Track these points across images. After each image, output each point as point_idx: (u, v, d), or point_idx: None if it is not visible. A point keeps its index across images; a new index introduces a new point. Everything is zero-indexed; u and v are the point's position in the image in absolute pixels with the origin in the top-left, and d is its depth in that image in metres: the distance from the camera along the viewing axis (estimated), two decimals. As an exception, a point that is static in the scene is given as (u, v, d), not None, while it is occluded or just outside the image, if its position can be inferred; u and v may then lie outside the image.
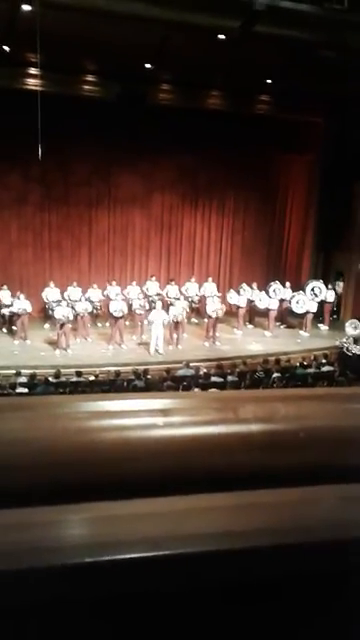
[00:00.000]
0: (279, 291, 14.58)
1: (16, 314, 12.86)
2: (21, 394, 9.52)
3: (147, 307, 13.37)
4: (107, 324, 13.52)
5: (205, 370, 10.99)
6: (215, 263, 16.71)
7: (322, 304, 14.84)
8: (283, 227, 17.29)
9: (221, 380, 10.44)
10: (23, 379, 10.26)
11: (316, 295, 14.69)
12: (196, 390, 9.61)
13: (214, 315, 13.43)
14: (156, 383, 10.24)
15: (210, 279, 15.17)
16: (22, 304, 12.85)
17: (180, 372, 10.85)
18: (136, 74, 12.76)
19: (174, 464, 0.66)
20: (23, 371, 10.57)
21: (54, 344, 12.59)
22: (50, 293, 13.56)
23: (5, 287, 13.54)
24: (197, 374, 10.86)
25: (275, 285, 14.70)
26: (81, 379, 10.33)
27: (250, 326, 14.75)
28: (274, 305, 14.30)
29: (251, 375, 10.74)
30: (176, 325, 13.09)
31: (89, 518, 0.62)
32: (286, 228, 17.28)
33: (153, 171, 15.28)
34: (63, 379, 10.26)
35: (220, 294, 14.45)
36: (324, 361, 11.87)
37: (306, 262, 16.77)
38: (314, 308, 14.56)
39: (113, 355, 12.40)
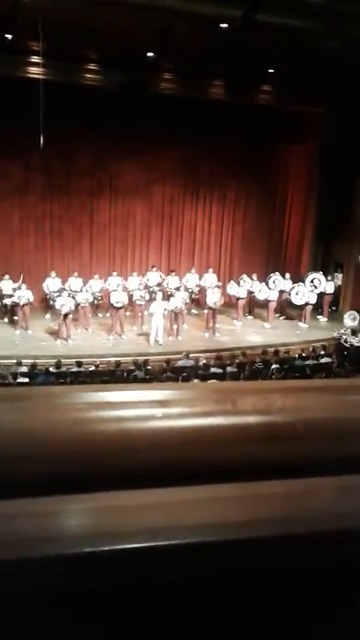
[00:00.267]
0: (279, 282, 14.60)
1: (18, 304, 12.89)
2: (22, 384, 9.60)
3: (147, 298, 13.40)
4: (108, 314, 13.56)
5: (205, 361, 11.04)
6: (215, 254, 16.71)
7: (321, 296, 14.85)
8: (283, 218, 17.27)
9: (220, 371, 10.49)
10: (24, 369, 10.31)
11: (315, 287, 14.70)
12: (195, 381, 9.67)
13: (214, 306, 13.46)
14: (156, 374, 10.30)
15: (210, 270, 15.18)
16: (24, 294, 12.87)
17: (180, 363, 10.90)
18: (138, 63, 12.69)
19: (173, 456, 0.66)
20: (24, 361, 10.62)
21: (55, 334, 12.63)
22: (51, 283, 13.58)
23: (7, 277, 13.56)
24: (197, 365, 10.91)
25: (275, 276, 14.71)
26: (81, 369, 10.38)
27: (250, 317, 14.78)
28: (274, 296, 14.32)
29: (250, 366, 10.79)
30: (176, 316, 13.12)
31: (88, 508, 0.63)
32: (286, 219, 17.26)
33: (154, 161, 15.24)
34: (64, 369, 10.31)
35: (220, 285, 14.48)
36: (322, 353, 11.91)
37: (306, 253, 16.78)
38: (313, 300, 14.58)
39: (113, 345, 12.44)
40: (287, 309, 15.02)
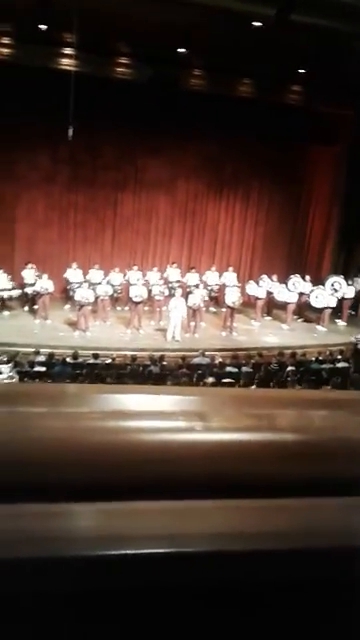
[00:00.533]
0: (299, 284, 14.52)
1: (38, 293, 13.02)
2: (39, 372, 9.71)
3: (167, 293, 13.42)
4: (126, 308, 13.62)
5: (220, 360, 11.04)
6: (237, 253, 16.66)
7: (341, 300, 14.74)
8: (307, 220, 17.15)
9: (236, 370, 10.49)
10: (42, 358, 10.42)
11: (336, 290, 14.59)
12: (210, 379, 9.69)
13: (232, 305, 13.44)
14: (171, 370, 10.33)
15: (231, 269, 15.15)
16: (44, 284, 12.99)
17: (196, 360, 10.92)
18: (169, 58, 12.68)
19: (204, 470, 0.65)
20: (42, 350, 10.73)
21: (73, 325, 12.73)
22: (72, 274, 13.68)
23: (30, 266, 13.69)
24: (212, 363, 10.92)
25: (295, 278, 14.64)
26: (98, 361, 10.45)
27: (268, 318, 14.73)
28: (293, 298, 14.25)
29: (266, 367, 10.77)
30: (194, 313, 13.13)
31: (108, 511, 0.63)
32: (310, 221, 17.14)
33: (180, 157, 15.24)
34: (80, 360, 10.39)
35: (240, 284, 14.45)
36: (340, 357, 11.83)
37: (328, 257, 16.64)
38: (333, 303, 14.47)
39: (130, 339, 12.50)
40: (306, 311, 14.93)
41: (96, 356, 10.57)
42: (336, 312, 14.83)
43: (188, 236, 16.31)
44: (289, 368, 10.74)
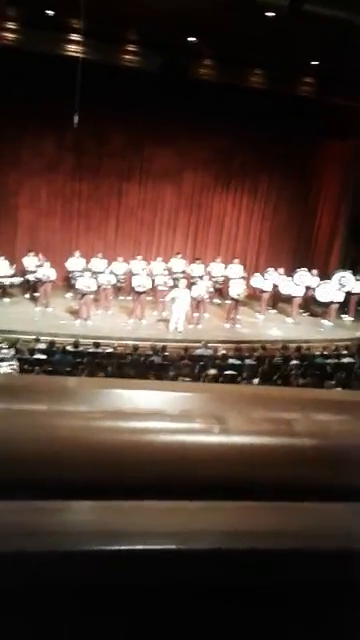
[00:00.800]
0: (305, 278, 14.40)
1: (40, 281, 12.94)
2: (39, 360, 9.64)
3: (170, 284, 13.32)
4: (129, 298, 13.53)
5: (224, 351, 10.93)
6: (242, 246, 16.52)
7: (349, 295, 14.61)
8: (315, 214, 16.99)
9: (239, 363, 10.39)
10: (42, 346, 10.35)
11: (343, 285, 14.44)
12: (212, 371, 9.59)
13: (237, 297, 13.34)
14: (173, 360, 10.25)
15: (236, 261, 15.02)
16: (46, 271, 12.91)
17: (198, 351, 10.82)
18: (178, 47, 12.52)
19: (219, 472, 0.66)
20: (42, 338, 10.65)
21: (75, 314, 12.65)
22: (74, 263, 13.59)
23: (32, 254, 13.61)
24: (215, 355, 10.82)
25: (301, 272, 14.51)
26: (99, 350, 10.37)
27: (273, 311, 14.60)
28: (299, 292, 14.13)
29: (269, 360, 10.66)
30: (198, 304, 13.03)
31: (115, 509, 0.63)
32: (318, 216, 16.97)
33: (187, 148, 15.09)
34: (81, 349, 10.31)
35: (245, 276, 14.32)
36: (345, 352, 11.73)
37: (336, 251, 16.50)
38: (340, 298, 14.32)
39: (133, 329, 12.41)
40: (312, 306, 14.81)
41: (97, 345, 10.48)
42: (343, 307, 14.71)
43: (193, 228, 16.17)
44: (293, 362, 10.64)
